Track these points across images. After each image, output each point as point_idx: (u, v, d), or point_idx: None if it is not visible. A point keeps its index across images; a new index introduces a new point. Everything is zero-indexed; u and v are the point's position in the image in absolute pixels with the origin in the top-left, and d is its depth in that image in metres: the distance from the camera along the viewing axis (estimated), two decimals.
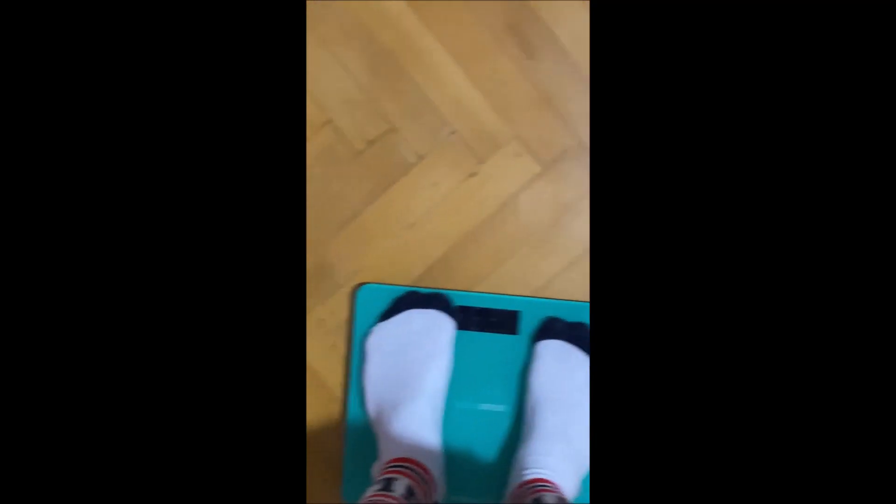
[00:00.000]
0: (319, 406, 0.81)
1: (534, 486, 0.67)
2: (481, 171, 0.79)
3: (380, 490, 0.64)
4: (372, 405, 0.75)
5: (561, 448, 0.70)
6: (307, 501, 0.78)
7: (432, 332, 0.75)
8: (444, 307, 0.76)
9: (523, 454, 0.71)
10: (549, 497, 0.64)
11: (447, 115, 0.79)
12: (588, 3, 0.76)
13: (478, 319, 0.76)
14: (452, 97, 0.79)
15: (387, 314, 0.77)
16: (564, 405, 0.73)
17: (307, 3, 0.76)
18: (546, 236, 0.79)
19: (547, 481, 0.68)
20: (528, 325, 0.76)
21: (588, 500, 0.74)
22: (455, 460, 0.75)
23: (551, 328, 0.76)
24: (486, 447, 0.77)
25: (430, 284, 0.79)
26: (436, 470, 0.71)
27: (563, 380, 0.74)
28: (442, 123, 0.79)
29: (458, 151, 0.79)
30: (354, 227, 0.80)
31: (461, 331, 0.77)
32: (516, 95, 0.79)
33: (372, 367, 0.75)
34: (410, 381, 0.72)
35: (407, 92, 0.79)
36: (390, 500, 0.63)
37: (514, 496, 0.68)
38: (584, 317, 0.76)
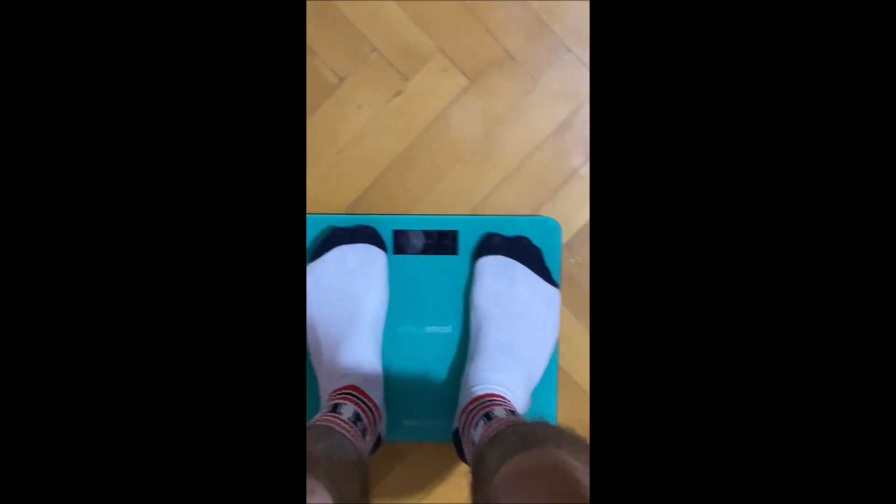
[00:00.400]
0: None
1: (483, 402, 0.67)
2: (407, 88, 0.78)
3: (328, 412, 0.64)
4: (311, 346, 0.74)
5: (508, 362, 0.71)
6: None
7: (364, 265, 0.74)
8: (372, 239, 0.75)
9: (471, 371, 0.71)
10: (498, 410, 0.64)
11: (365, 32, 0.77)
12: None
13: (416, 242, 0.76)
14: (369, 12, 0.77)
15: (316, 253, 0.75)
16: (508, 319, 0.73)
17: None
18: (479, 151, 0.78)
19: (496, 395, 0.68)
20: (467, 243, 0.76)
21: (541, 411, 0.75)
22: (404, 385, 0.76)
23: (490, 244, 0.75)
24: (435, 370, 0.77)
25: (364, 210, 0.78)
26: (378, 398, 0.72)
27: (506, 294, 0.74)
28: (360, 41, 0.77)
29: (380, 70, 0.77)
30: None
31: (401, 255, 0.76)
32: (437, 6, 0.76)
33: (307, 309, 0.74)
34: (346, 316, 0.72)
35: (320, 10, 0.77)
36: (338, 420, 0.63)
37: (464, 412, 0.68)
38: (523, 230, 0.76)
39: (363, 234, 0.75)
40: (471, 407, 0.68)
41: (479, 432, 0.62)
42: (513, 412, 0.64)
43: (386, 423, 0.74)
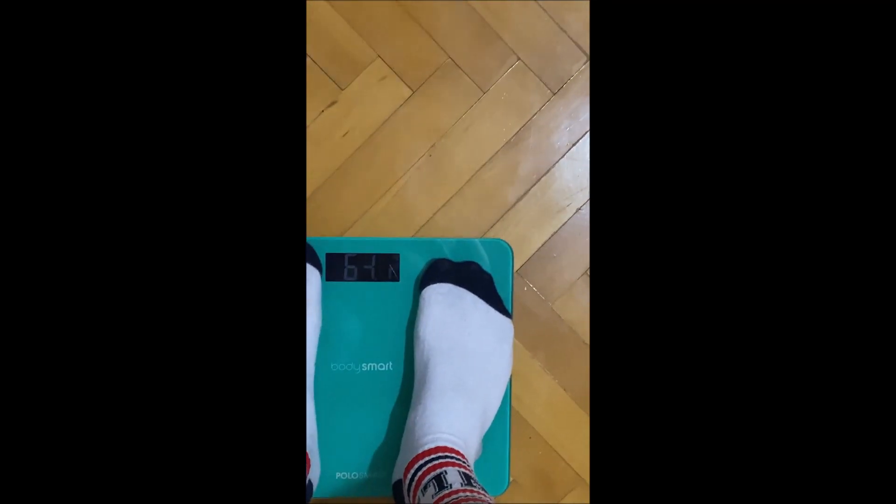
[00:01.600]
0: None
1: (434, 459, 0.60)
2: (342, 98, 0.72)
3: None
4: None
5: (459, 402, 0.64)
6: None
7: None
8: (307, 257, 0.68)
9: (418, 416, 0.65)
10: (451, 473, 0.57)
11: None
12: None
13: (352, 268, 0.70)
14: None
15: None
16: (459, 354, 0.67)
17: None
18: (423, 167, 0.73)
19: (449, 451, 0.61)
20: (410, 269, 0.70)
21: (493, 457, 0.69)
22: (337, 432, 0.69)
23: (436, 270, 0.69)
24: (373, 413, 0.70)
25: None
26: (309, 445, 0.64)
27: (455, 326, 0.68)
28: None
29: (313, 78, 0.72)
30: None
31: (333, 282, 0.70)
32: (374, 7, 0.71)
33: None
34: None
35: None
36: None
37: (410, 467, 0.61)
38: (471, 255, 0.70)
39: None
40: (419, 463, 0.60)
41: (428, 501, 0.56)
42: (468, 476, 0.58)
43: (318, 475, 0.66)
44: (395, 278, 0.70)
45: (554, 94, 0.71)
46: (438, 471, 0.58)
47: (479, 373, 0.67)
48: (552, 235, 0.71)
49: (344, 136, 0.72)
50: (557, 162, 0.72)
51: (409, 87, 0.72)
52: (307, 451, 0.63)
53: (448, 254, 0.71)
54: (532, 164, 0.73)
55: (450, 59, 0.72)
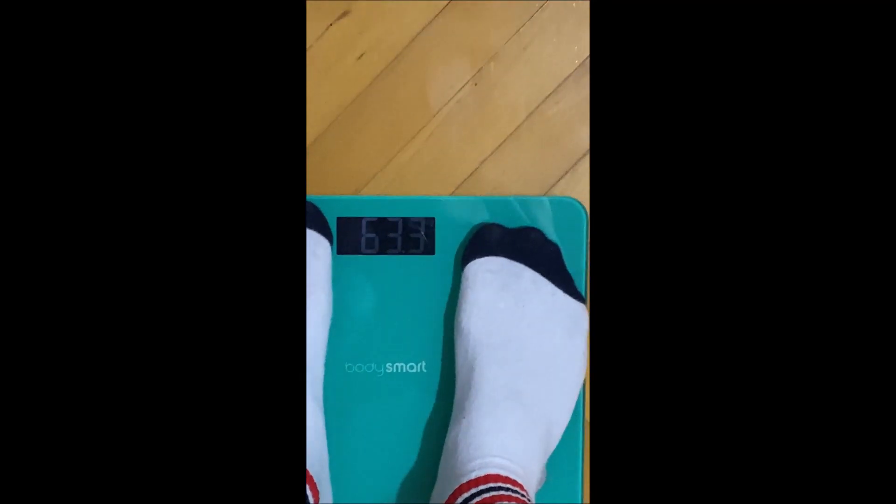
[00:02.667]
0: None
1: (484, 491, 0.54)
2: (357, 7, 0.64)
3: None
4: None
5: (515, 416, 0.59)
6: None
7: None
8: (312, 222, 0.63)
9: (461, 434, 0.59)
10: None
11: None
12: None
13: (372, 236, 0.65)
14: None
15: None
16: (514, 352, 0.61)
17: None
18: (465, 103, 0.66)
19: (504, 481, 0.55)
20: (449, 238, 0.65)
21: (562, 490, 0.64)
22: (353, 452, 0.64)
23: (485, 240, 0.63)
24: (401, 429, 0.65)
25: None
26: (316, 469, 0.59)
27: (510, 314, 0.62)
28: None
29: None
30: None
31: (346, 255, 0.64)
32: None
33: None
34: None
35: None
36: None
37: (452, 500, 0.55)
38: (531, 218, 0.64)
39: None
40: (465, 496, 0.54)
41: None
42: None
43: None
44: (430, 250, 0.65)
45: None
46: None
47: (542, 377, 0.61)
48: None
49: (359, 59, 0.66)
50: None
51: None
52: (313, 476, 0.58)
53: (500, 218, 0.65)
54: None
55: None
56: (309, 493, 0.56)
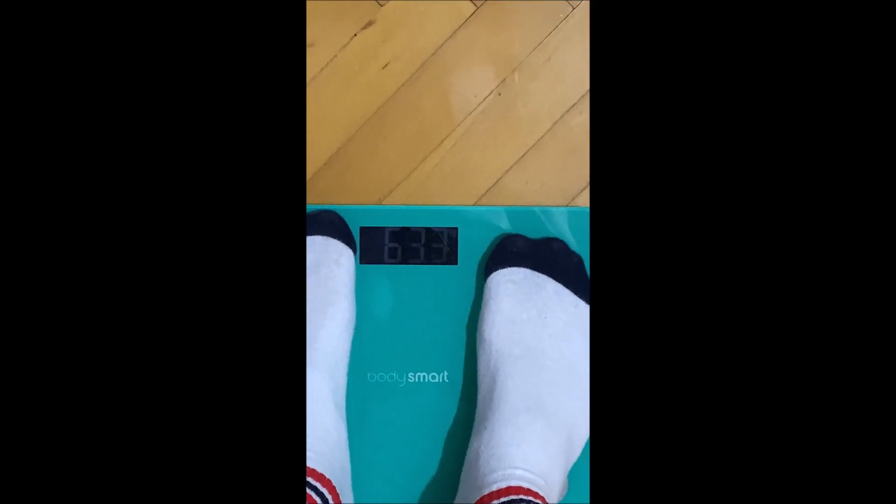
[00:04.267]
0: None
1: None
2: (382, 16, 0.65)
3: None
4: None
5: (538, 427, 0.58)
6: None
7: (320, 271, 0.62)
8: (334, 230, 0.63)
9: (483, 445, 0.58)
10: None
11: None
12: None
13: (395, 246, 0.65)
14: None
15: None
16: (537, 363, 0.61)
17: None
18: (489, 112, 0.66)
19: (524, 491, 0.54)
20: (472, 248, 0.65)
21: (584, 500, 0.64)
22: (375, 462, 0.64)
23: (508, 251, 0.63)
24: (423, 439, 0.65)
25: (317, 199, 0.67)
26: (338, 479, 0.59)
27: (533, 325, 0.62)
28: None
29: None
30: None
31: (369, 265, 0.64)
32: None
33: None
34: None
35: None
36: None
37: None
38: (554, 228, 0.64)
39: (320, 222, 0.64)
40: None
41: None
42: None
43: None
44: (452, 260, 0.65)
45: None
46: None
47: (564, 388, 0.61)
48: None
49: (384, 68, 0.66)
50: None
51: (471, 1, 0.65)
52: (335, 485, 0.57)
53: (522, 228, 0.65)
54: None
55: None
56: (331, 501, 0.56)
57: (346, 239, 0.62)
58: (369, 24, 0.63)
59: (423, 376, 0.65)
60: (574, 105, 0.64)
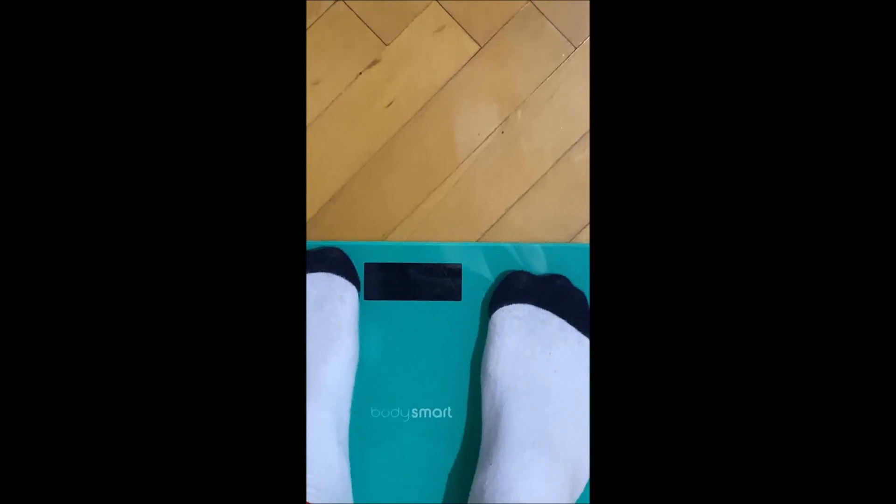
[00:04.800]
0: None
1: None
2: (387, 55, 0.65)
3: None
4: None
5: (543, 461, 0.58)
6: None
7: (324, 307, 0.62)
8: (338, 266, 0.63)
9: (488, 480, 0.58)
10: None
11: None
12: None
13: (398, 283, 0.65)
14: None
15: None
16: (542, 397, 0.61)
17: None
18: (493, 149, 0.66)
19: None
20: (476, 285, 0.65)
21: None
22: (379, 498, 0.64)
23: (512, 287, 0.63)
24: (427, 475, 0.64)
25: (321, 235, 0.67)
26: None
27: (537, 361, 0.62)
28: None
29: (347, 27, 0.65)
30: None
31: (373, 301, 0.64)
32: None
33: None
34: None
35: None
36: None
37: None
38: (558, 265, 0.64)
39: (324, 258, 0.63)
40: None
41: None
42: None
43: None
44: (457, 297, 0.65)
45: None
46: None
47: (569, 422, 0.60)
48: None
49: (388, 106, 0.66)
50: None
51: (474, 40, 0.65)
52: None
53: (526, 264, 0.65)
54: None
55: (530, 3, 0.65)
56: None
57: (350, 275, 0.62)
58: (374, 62, 0.64)
59: (427, 412, 0.64)
60: (576, 142, 0.65)
